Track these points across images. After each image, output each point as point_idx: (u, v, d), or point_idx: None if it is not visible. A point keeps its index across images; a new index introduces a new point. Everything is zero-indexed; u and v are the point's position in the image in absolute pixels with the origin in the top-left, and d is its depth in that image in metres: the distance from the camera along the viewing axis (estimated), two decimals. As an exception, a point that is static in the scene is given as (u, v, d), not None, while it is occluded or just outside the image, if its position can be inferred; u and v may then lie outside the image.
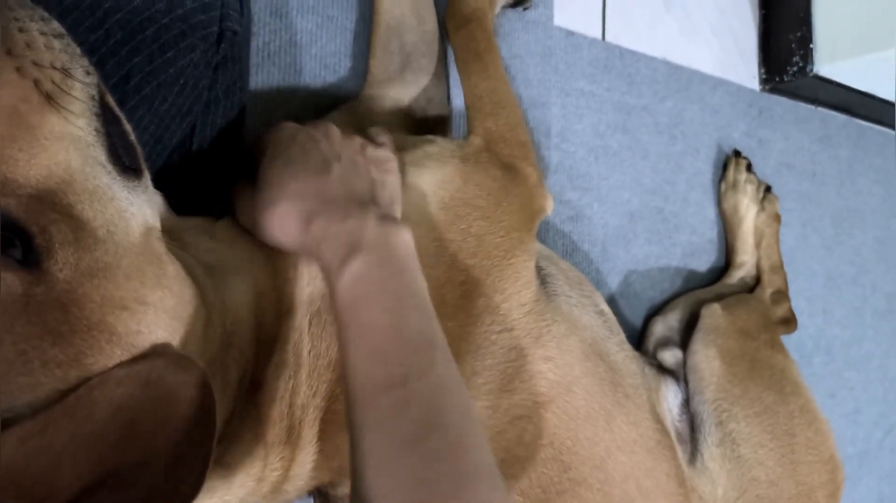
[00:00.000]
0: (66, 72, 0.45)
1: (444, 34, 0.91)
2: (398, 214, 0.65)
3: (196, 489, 0.43)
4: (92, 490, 0.41)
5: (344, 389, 0.53)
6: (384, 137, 0.71)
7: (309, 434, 0.62)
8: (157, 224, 0.52)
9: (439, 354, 0.53)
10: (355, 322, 0.53)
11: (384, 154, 0.68)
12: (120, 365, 0.43)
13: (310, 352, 0.62)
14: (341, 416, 0.61)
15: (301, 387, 0.61)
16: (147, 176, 0.53)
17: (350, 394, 0.52)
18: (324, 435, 0.62)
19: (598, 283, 1.14)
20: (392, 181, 0.66)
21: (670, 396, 0.98)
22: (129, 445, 0.42)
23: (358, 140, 0.67)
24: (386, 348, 0.51)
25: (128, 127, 0.52)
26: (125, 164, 0.50)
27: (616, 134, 1.18)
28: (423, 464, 0.47)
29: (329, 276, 0.55)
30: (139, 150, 0.52)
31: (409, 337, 0.52)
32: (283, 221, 0.59)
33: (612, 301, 1.16)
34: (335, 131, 0.66)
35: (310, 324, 0.62)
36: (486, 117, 0.80)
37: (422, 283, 0.57)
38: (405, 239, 0.57)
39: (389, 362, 0.51)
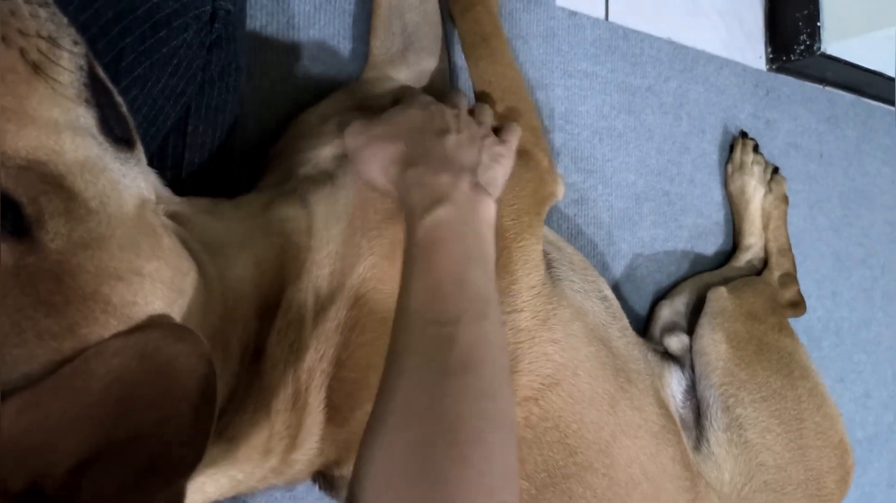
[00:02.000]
0: (52, 41, 0.44)
1: (448, 16, 0.89)
2: (496, 190, 0.69)
3: (195, 461, 0.43)
4: (90, 461, 0.40)
5: (395, 316, 0.55)
6: (512, 135, 0.74)
7: (316, 400, 0.62)
8: (152, 196, 0.51)
9: (492, 311, 0.55)
10: (426, 260, 0.56)
11: (502, 149, 0.70)
12: (116, 335, 0.43)
13: (316, 314, 0.61)
14: (350, 384, 0.61)
15: (306, 350, 0.61)
16: (140, 148, 0.52)
17: (400, 320, 0.54)
18: (331, 401, 0.62)
19: (604, 267, 1.13)
20: (498, 172, 0.69)
21: (674, 383, 0.97)
22: (127, 417, 0.41)
23: (485, 128, 0.71)
24: (447, 289, 0.54)
25: (119, 98, 0.51)
26: (117, 135, 0.49)
27: (620, 115, 1.17)
28: (454, 398, 0.48)
29: (411, 218, 0.59)
30: (131, 121, 0.51)
31: (470, 287, 0.55)
32: (384, 159, 0.64)
33: (617, 285, 1.14)
34: (466, 113, 0.71)
35: (317, 287, 0.62)
36: (496, 104, 0.80)
37: (492, 251, 0.60)
38: (490, 208, 0.60)
39: (447, 301, 0.53)
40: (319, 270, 0.62)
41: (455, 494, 0.44)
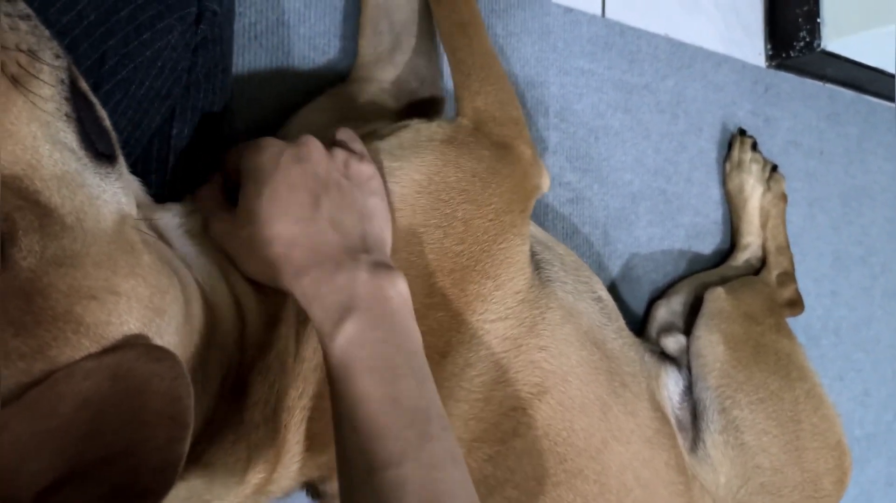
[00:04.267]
0: (33, 54, 0.43)
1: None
2: (388, 248, 0.62)
3: (166, 487, 0.41)
4: (58, 485, 0.39)
5: (337, 465, 0.52)
6: (358, 144, 0.66)
7: (295, 436, 0.60)
8: (133, 212, 0.50)
9: (435, 426, 0.51)
10: (349, 394, 0.51)
11: (367, 170, 0.64)
12: (88, 357, 0.41)
13: (296, 358, 0.60)
14: (327, 413, 0.60)
15: (287, 391, 0.59)
16: (122, 162, 0.51)
17: (344, 473, 0.51)
18: (310, 433, 0.61)
19: (600, 267, 1.12)
20: (378, 205, 0.63)
21: (671, 384, 0.96)
22: (97, 440, 0.40)
23: (340, 156, 0.63)
24: (381, 423, 0.50)
25: (102, 112, 0.50)
26: (98, 149, 0.48)
27: (617, 113, 1.15)
28: None
29: (322, 339, 0.54)
30: (114, 136, 0.50)
31: (404, 409, 0.51)
32: (270, 268, 0.56)
33: (613, 285, 1.14)
34: (318, 149, 0.61)
35: (297, 330, 0.60)
36: (474, 96, 0.77)
37: (416, 342, 0.55)
38: (399, 290, 0.55)
39: (385, 438, 0.50)
40: (300, 315, 0.61)
41: None
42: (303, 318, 0.60)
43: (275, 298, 0.60)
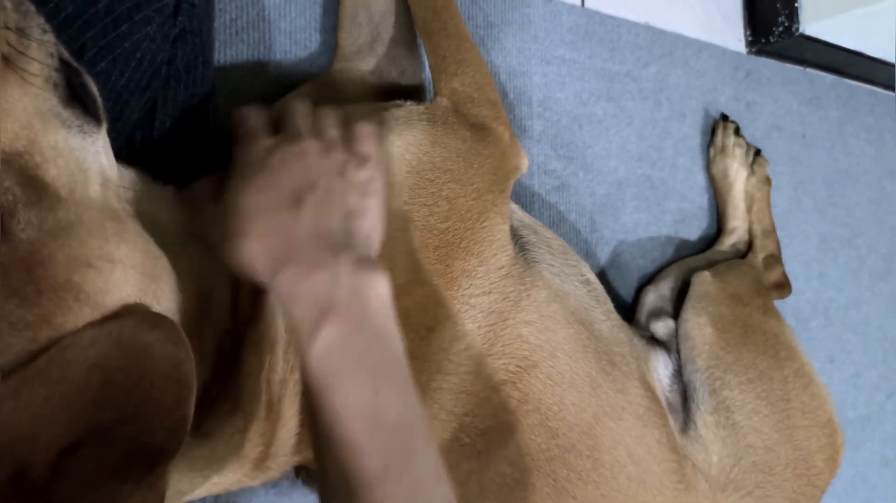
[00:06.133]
0: (20, 31, 0.45)
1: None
2: (376, 245, 0.60)
3: (176, 445, 0.43)
4: (73, 449, 0.41)
5: (319, 479, 0.52)
6: (367, 144, 0.63)
7: (289, 411, 0.61)
8: (115, 178, 0.51)
9: (418, 439, 0.50)
10: (328, 406, 0.49)
11: (367, 174, 0.60)
12: (91, 324, 0.43)
13: (287, 328, 0.61)
14: None
15: (278, 363, 0.60)
16: (105, 127, 0.52)
17: (325, 489, 0.50)
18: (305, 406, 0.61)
19: (587, 254, 1.13)
20: (373, 206, 0.60)
21: (660, 367, 0.97)
22: (107, 404, 0.42)
23: (338, 158, 0.59)
24: (362, 439, 0.48)
25: (88, 79, 0.51)
26: (84, 110, 0.49)
27: (600, 101, 1.16)
28: None
29: (300, 343, 0.51)
30: (100, 102, 0.52)
31: (386, 422, 0.49)
32: (249, 259, 0.54)
33: (602, 271, 1.14)
34: (314, 147, 0.59)
35: None
36: (451, 77, 0.77)
37: (397, 347, 0.53)
38: (380, 291, 0.53)
39: (366, 454, 0.48)
40: None
41: None
42: None
43: None
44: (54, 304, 0.42)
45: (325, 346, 0.50)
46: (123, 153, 0.66)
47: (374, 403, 0.49)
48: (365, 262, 0.54)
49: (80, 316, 0.43)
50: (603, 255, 1.15)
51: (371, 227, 0.59)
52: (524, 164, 0.81)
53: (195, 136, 0.73)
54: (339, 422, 0.49)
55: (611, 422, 0.77)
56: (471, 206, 0.72)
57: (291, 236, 0.54)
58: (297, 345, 0.52)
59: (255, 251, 0.53)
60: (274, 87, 0.86)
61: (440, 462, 0.51)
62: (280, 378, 0.60)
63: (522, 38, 1.08)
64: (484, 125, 0.76)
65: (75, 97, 0.48)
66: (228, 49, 0.85)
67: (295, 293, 0.52)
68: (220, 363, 0.59)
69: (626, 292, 1.16)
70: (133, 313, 0.45)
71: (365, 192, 0.60)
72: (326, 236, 0.55)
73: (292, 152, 0.58)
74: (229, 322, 0.59)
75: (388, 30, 0.86)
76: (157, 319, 0.45)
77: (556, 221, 1.10)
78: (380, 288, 0.53)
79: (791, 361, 1.02)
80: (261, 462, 0.61)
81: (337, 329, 0.50)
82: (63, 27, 0.59)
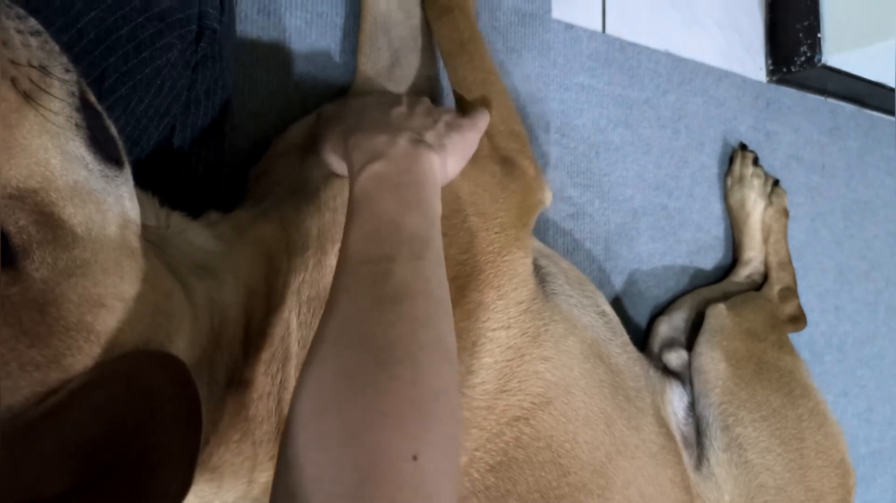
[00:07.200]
0: (44, 69, 0.45)
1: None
2: (445, 147, 0.66)
3: (185, 488, 0.42)
4: (77, 491, 0.40)
5: (336, 266, 0.54)
6: (480, 116, 0.74)
7: None
8: (137, 218, 0.51)
9: (430, 252, 0.55)
10: (361, 211, 0.56)
11: (464, 121, 0.70)
12: (101, 364, 0.43)
13: (298, 342, 0.61)
14: None
15: (290, 380, 0.60)
16: (128, 168, 0.52)
17: (338, 267, 0.53)
18: None
19: (601, 282, 1.12)
20: (455, 139, 0.67)
21: (675, 399, 0.95)
22: (114, 446, 0.41)
23: (449, 110, 0.71)
24: (382, 233, 0.54)
25: (109, 122, 0.51)
26: (107, 153, 0.49)
27: (618, 129, 1.15)
28: (385, 326, 0.48)
29: (351, 177, 0.59)
30: (120, 143, 0.51)
31: (406, 230, 0.54)
32: (334, 138, 0.66)
33: (615, 300, 1.13)
34: (424, 105, 0.70)
35: (298, 315, 0.61)
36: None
37: (434, 200, 0.59)
38: (430, 160, 0.60)
39: (382, 243, 0.53)
40: (299, 297, 0.62)
41: (381, 407, 0.44)
42: (304, 299, 0.62)
43: (279, 282, 0.62)
44: (65, 345, 0.41)
45: (370, 176, 0.58)
46: (140, 179, 0.67)
47: (400, 217, 0.55)
48: (425, 143, 0.62)
49: (90, 356, 0.43)
50: (617, 284, 1.14)
51: (452, 142, 0.67)
52: (548, 198, 0.81)
53: (213, 159, 0.72)
54: (366, 221, 0.55)
55: (624, 460, 0.76)
56: (493, 240, 0.72)
57: (372, 119, 0.66)
58: (350, 181, 0.60)
59: (343, 129, 0.65)
60: (293, 109, 0.86)
61: (445, 279, 0.55)
62: (291, 396, 0.60)
63: (542, 64, 1.08)
64: (510, 159, 0.76)
65: (95, 140, 0.48)
66: (248, 71, 0.84)
67: (357, 145, 0.61)
68: (231, 395, 0.58)
69: (640, 321, 1.15)
70: (143, 353, 0.45)
71: (454, 126, 0.69)
72: (400, 124, 0.65)
73: (409, 97, 0.71)
74: (241, 353, 0.59)
75: (407, 55, 0.86)
76: (166, 360, 0.45)
77: (571, 249, 1.09)
78: (430, 160, 0.61)
79: (806, 399, 1.01)
80: (269, 486, 0.61)
81: (382, 167, 0.58)
82: (85, 52, 0.59)
